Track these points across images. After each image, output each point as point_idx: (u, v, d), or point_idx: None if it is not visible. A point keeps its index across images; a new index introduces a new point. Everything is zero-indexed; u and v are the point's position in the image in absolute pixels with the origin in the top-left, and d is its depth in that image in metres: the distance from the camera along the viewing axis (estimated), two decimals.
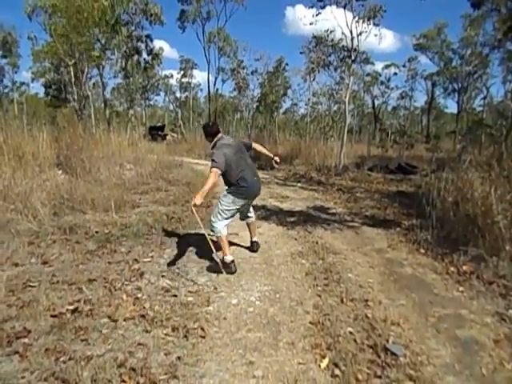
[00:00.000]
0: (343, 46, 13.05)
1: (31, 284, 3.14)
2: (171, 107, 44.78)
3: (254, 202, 6.89)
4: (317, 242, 4.61)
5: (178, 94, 42.05)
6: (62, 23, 11.94)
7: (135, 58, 21.62)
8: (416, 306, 3.00)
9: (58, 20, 12.39)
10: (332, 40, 13.51)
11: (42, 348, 2.28)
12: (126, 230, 4.66)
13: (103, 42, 17.42)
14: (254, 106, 25.99)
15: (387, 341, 2.45)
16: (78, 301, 2.86)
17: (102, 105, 22.64)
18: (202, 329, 2.54)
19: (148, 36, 22.28)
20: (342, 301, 3.04)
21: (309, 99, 21.26)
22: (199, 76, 68.37)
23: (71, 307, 2.75)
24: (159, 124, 35.14)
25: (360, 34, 12.01)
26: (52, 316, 2.64)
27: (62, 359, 2.18)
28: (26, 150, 6.82)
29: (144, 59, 22.92)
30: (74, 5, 11.31)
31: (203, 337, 2.45)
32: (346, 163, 12.55)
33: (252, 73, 25.29)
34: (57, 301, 2.86)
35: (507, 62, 21.93)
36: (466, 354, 2.37)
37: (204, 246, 4.31)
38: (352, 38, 12.12)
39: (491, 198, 4.06)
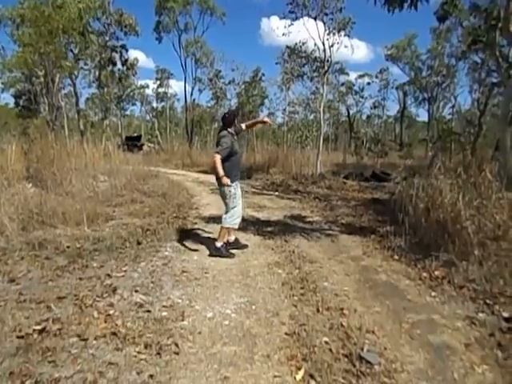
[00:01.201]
0: (316, 56, 13.33)
1: None
2: (148, 117, 44.44)
3: None
4: (293, 251, 4.63)
5: (154, 104, 41.82)
6: (28, 32, 11.65)
7: (109, 68, 21.31)
8: (390, 313, 3.04)
9: (26, 30, 12.09)
10: (305, 51, 13.77)
11: (7, 371, 2.16)
12: (98, 243, 4.53)
13: (76, 51, 17.12)
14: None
15: (362, 349, 2.47)
16: (46, 320, 2.74)
17: (76, 115, 22.15)
18: (176, 345, 2.48)
19: (123, 46, 22.04)
20: (317, 310, 3.04)
21: (285, 109, 21.52)
22: (176, 86, 67.99)
23: (39, 327, 2.63)
24: (135, 134, 34.78)
25: (332, 45, 12.31)
26: (18, 337, 2.51)
27: (27, 383, 2.08)
28: None
29: (119, 69, 22.62)
30: (43, 15, 11.07)
31: (177, 353, 2.39)
32: (323, 171, 12.74)
33: (229, 83, 25.45)
34: (23, 321, 2.73)
35: (473, 73, 22.92)
36: (438, 359, 2.41)
37: (179, 258, 4.27)
38: (324, 49, 12.40)
39: (459, 204, 4.20)
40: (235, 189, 4.38)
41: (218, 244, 4.40)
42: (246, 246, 4.77)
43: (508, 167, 5.95)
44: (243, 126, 4.72)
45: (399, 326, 2.82)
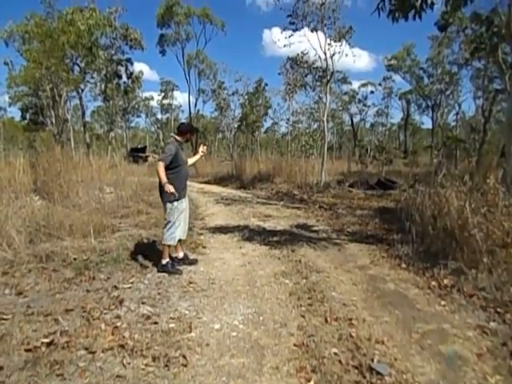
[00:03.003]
0: (318, 66, 13.43)
1: (4, 317, 2.99)
2: (152, 129, 44.89)
3: (237, 222, 6.90)
4: (300, 261, 4.60)
5: (159, 116, 42.31)
6: (36, 48, 11.89)
7: (115, 81, 21.64)
8: (400, 323, 3.00)
9: (33, 45, 12.34)
10: (307, 61, 13.89)
11: None
12: (105, 255, 4.54)
13: (82, 65, 17.40)
14: (236, 126, 26.28)
15: (372, 360, 2.43)
16: (54, 333, 2.74)
17: (82, 128, 22.43)
18: (184, 357, 2.46)
19: (128, 60, 22.41)
20: (326, 320, 3.01)
21: (289, 118, 21.64)
22: (180, 97, 68.65)
23: (46, 340, 2.63)
24: (140, 146, 35.08)
25: (333, 54, 12.41)
26: (26, 350, 2.51)
27: None
28: (0, 176, 6.65)
29: (124, 82, 22.96)
30: (48, 31, 11.30)
31: (185, 365, 2.38)
32: (328, 180, 12.73)
33: (233, 93, 25.68)
34: (31, 334, 2.74)
35: (476, 80, 22.97)
36: (449, 369, 2.37)
37: (186, 269, 4.25)
38: (326, 59, 12.50)
39: (466, 211, 4.17)
40: (180, 204, 4.09)
41: (164, 261, 4.16)
42: (195, 261, 4.50)
43: None
44: (190, 161, 4.52)
45: (409, 336, 2.78)
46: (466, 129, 25.94)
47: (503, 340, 2.69)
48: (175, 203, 4.05)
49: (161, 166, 3.96)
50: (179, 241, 4.31)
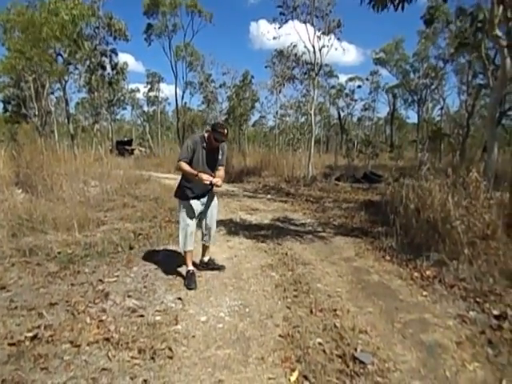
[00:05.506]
0: (306, 60, 13.44)
1: None
2: (138, 121, 44.24)
3: (224, 215, 6.88)
4: (286, 254, 4.64)
5: (145, 108, 41.63)
6: (17, 38, 11.53)
7: (99, 72, 21.21)
8: (383, 313, 3.07)
9: (15, 35, 11.97)
10: (295, 54, 13.88)
11: None
12: (90, 249, 4.49)
13: (65, 56, 16.99)
14: (223, 119, 26.10)
15: (355, 349, 2.48)
16: (38, 327, 2.72)
17: (66, 120, 21.96)
18: (170, 349, 2.47)
19: (112, 51, 21.97)
20: (311, 312, 3.05)
21: (277, 112, 21.61)
22: (166, 89, 66.97)
23: (30, 334, 2.60)
24: (126, 138, 34.60)
25: (322, 48, 12.41)
26: (9, 344, 2.49)
27: None
28: None
29: (108, 74, 22.52)
30: (30, 20, 10.96)
31: (171, 357, 2.39)
32: (315, 174, 12.80)
33: (220, 86, 25.51)
34: (15, 328, 2.71)
35: (460, 75, 23.26)
36: (430, 357, 2.44)
37: (172, 263, 4.24)
38: (314, 52, 12.50)
39: (449, 204, 4.26)
40: (191, 205, 3.63)
41: (189, 268, 3.75)
42: (222, 268, 4.07)
43: (495, 167, 6.04)
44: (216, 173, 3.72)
45: (392, 326, 2.85)
46: (450, 123, 26.32)
47: (482, 328, 2.78)
48: (186, 204, 3.65)
49: (181, 164, 3.55)
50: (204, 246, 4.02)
